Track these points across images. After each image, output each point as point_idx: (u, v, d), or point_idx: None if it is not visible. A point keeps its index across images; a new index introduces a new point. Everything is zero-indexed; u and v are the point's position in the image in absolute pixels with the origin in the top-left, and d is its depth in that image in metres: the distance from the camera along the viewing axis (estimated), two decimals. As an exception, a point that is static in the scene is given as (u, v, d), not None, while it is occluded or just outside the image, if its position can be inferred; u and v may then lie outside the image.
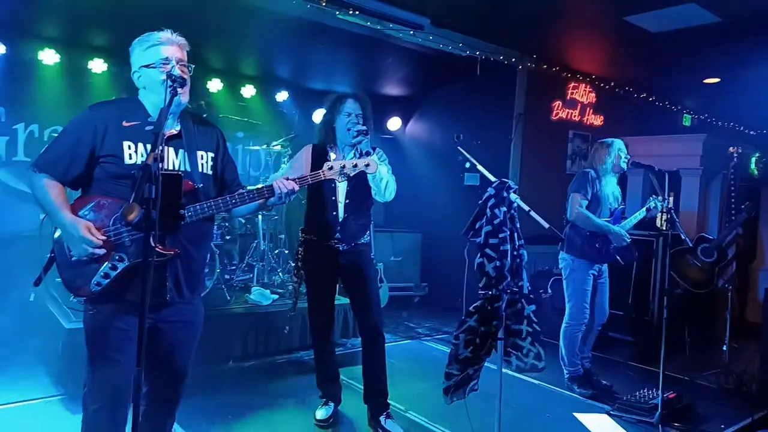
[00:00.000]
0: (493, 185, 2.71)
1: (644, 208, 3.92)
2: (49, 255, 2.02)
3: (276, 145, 5.45)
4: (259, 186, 2.18)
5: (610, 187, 3.95)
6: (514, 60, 6.01)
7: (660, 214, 3.75)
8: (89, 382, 2.03)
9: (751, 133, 7.97)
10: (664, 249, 4.47)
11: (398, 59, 5.98)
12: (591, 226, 3.85)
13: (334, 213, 3.13)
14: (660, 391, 3.34)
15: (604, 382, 4.05)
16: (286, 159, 5.34)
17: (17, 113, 5.21)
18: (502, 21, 5.15)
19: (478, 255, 2.67)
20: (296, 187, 2.18)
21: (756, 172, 6.77)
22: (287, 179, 2.18)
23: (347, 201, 3.14)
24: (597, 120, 7.03)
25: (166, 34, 2.04)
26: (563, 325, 4.02)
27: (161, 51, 2.01)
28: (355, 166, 2.31)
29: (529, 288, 2.74)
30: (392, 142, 7.27)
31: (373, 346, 3.21)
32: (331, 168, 2.27)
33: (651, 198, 3.90)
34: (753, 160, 6.77)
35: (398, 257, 6.45)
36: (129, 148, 1.96)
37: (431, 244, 6.62)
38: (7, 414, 3.20)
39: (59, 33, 5.17)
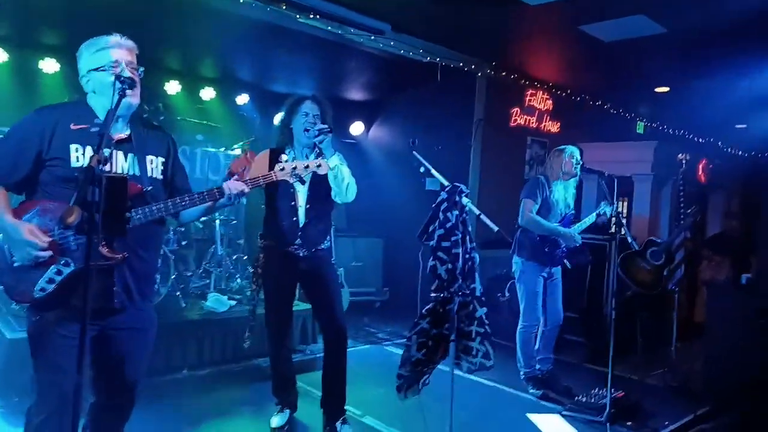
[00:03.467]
0: (446, 189, 2.75)
1: (594, 213, 4.05)
2: None
3: (236, 148, 5.39)
4: (211, 188, 2.16)
5: (561, 192, 4.05)
6: (473, 67, 6.11)
7: (610, 218, 3.88)
8: (36, 393, 1.98)
9: (700, 140, 8.31)
10: (616, 253, 4.61)
11: (360, 64, 6.01)
12: (541, 230, 3.95)
13: (294, 219, 3.10)
14: (608, 391, 3.44)
15: (565, 384, 4.15)
16: (245, 163, 5.28)
17: (-38, 113, 5.00)
18: (462, 28, 5.24)
19: (431, 258, 2.71)
20: (246, 189, 2.17)
21: (702, 178, 7.07)
22: (237, 180, 2.16)
23: (308, 206, 3.12)
24: (554, 126, 7.21)
25: (115, 38, 2.03)
26: (518, 327, 4.11)
27: (110, 54, 2.00)
28: (307, 167, 2.31)
29: (482, 290, 2.79)
30: (355, 146, 7.28)
31: (336, 350, 3.18)
32: (282, 169, 2.25)
33: (602, 203, 4.03)
34: (700, 166, 7.07)
35: (359, 262, 6.46)
36: (76, 151, 1.94)
37: (393, 249, 6.65)
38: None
39: (8, 31, 4.99)
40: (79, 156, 1.94)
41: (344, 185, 3.05)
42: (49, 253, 1.87)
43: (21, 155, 1.92)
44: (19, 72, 5.08)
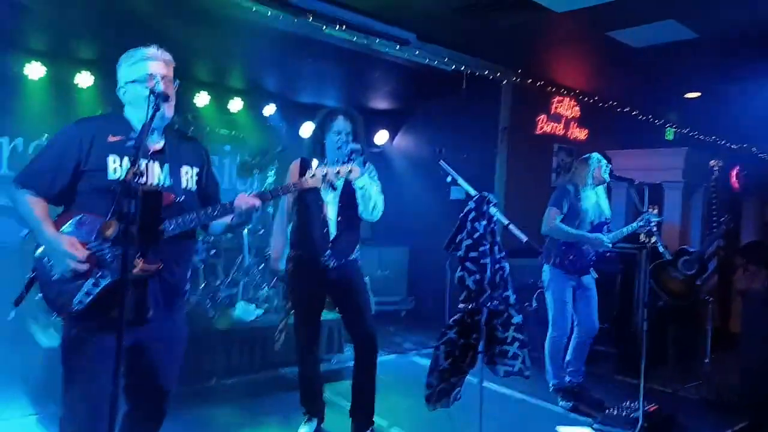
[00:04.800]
0: (474, 199, 2.74)
1: (637, 222, 3.84)
2: (30, 273, 2.00)
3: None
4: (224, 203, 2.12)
5: (591, 200, 3.99)
6: (499, 74, 6.09)
7: (651, 228, 3.74)
8: (68, 404, 1.99)
9: (733, 146, 8.10)
10: (647, 262, 4.52)
11: (385, 73, 6.04)
12: (566, 237, 3.90)
13: (325, 230, 3.11)
14: (641, 404, 3.36)
15: (596, 396, 4.06)
16: (272, 172, 5.35)
17: (1, 127, 5.18)
18: (487, 36, 5.23)
19: (459, 268, 2.69)
20: (257, 203, 2.09)
21: (736, 185, 6.88)
22: (251, 194, 2.11)
23: (339, 218, 3.13)
24: (581, 134, 7.12)
25: (152, 50, 2.05)
26: (547, 337, 4.05)
27: (147, 66, 2.02)
28: (338, 173, 2.29)
29: (516, 298, 2.77)
30: (379, 155, 7.30)
31: (366, 359, 3.18)
32: (313, 176, 2.21)
33: (646, 213, 3.90)
34: (733, 173, 6.88)
35: (385, 271, 6.45)
36: (114, 162, 1.97)
37: (418, 258, 6.63)
38: (-17, 432, 3.16)
39: (46, 46, 5.17)
40: (117, 167, 1.97)
41: (371, 204, 3.06)
42: (87, 265, 1.90)
43: (61, 167, 1.96)
44: (56, 86, 5.24)
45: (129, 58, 2.05)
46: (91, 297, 1.91)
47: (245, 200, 2.08)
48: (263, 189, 4.34)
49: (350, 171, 2.33)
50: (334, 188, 2.90)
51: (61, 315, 1.95)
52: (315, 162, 3.06)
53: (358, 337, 3.22)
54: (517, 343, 2.72)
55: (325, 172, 2.23)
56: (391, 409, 3.68)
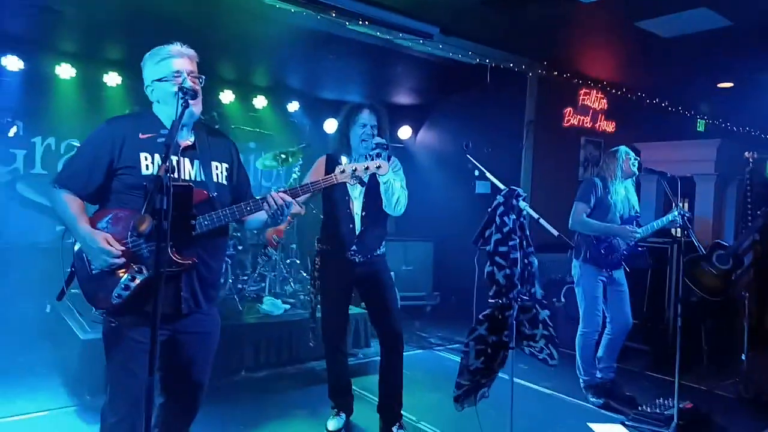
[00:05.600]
0: (502, 193, 2.71)
1: (668, 217, 3.74)
2: (70, 269, 2.05)
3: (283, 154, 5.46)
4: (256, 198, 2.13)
5: (620, 193, 3.91)
6: (524, 67, 6.00)
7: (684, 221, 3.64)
8: (109, 395, 2.04)
9: (768, 137, 7.86)
10: (678, 256, 4.41)
11: (408, 68, 6.01)
12: (592, 230, 3.84)
13: (351, 226, 3.13)
14: (675, 401, 3.28)
15: (628, 393, 3.99)
16: (297, 168, 5.37)
17: (35, 127, 5.33)
18: (512, 28, 5.16)
19: (488, 263, 2.66)
20: (288, 199, 2.09)
21: (773, 177, 6.66)
22: (281, 191, 2.11)
23: (363, 213, 3.14)
24: (609, 126, 6.99)
25: (177, 47, 2.07)
26: (578, 333, 3.98)
27: (172, 64, 2.04)
28: (367, 168, 2.28)
29: (542, 293, 2.73)
30: (403, 150, 7.28)
31: (393, 353, 3.18)
32: (343, 171, 2.23)
33: (677, 208, 3.81)
34: (769, 164, 6.66)
35: (410, 266, 6.44)
36: (146, 159, 2.00)
37: (443, 253, 6.60)
38: (23, 425, 3.24)
39: (75, 48, 5.29)
40: (149, 164, 1.99)
41: (394, 199, 3.06)
42: (123, 260, 1.93)
43: (95, 166, 1.99)
44: (85, 86, 5.37)
45: (154, 56, 2.06)
46: (129, 291, 1.94)
47: (276, 197, 2.09)
48: (289, 185, 4.37)
49: (379, 167, 2.32)
50: (363, 184, 2.89)
51: (101, 309, 1.99)
52: (345, 159, 3.08)
53: (384, 332, 3.22)
54: (543, 340, 2.69)
55: (354, 167, 2.24)
56: (419, 404, 3.67)
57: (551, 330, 2.66)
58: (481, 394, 2.78)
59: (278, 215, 2.12)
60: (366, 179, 3.01)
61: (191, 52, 2.10)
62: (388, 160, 3.06)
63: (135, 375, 1.95)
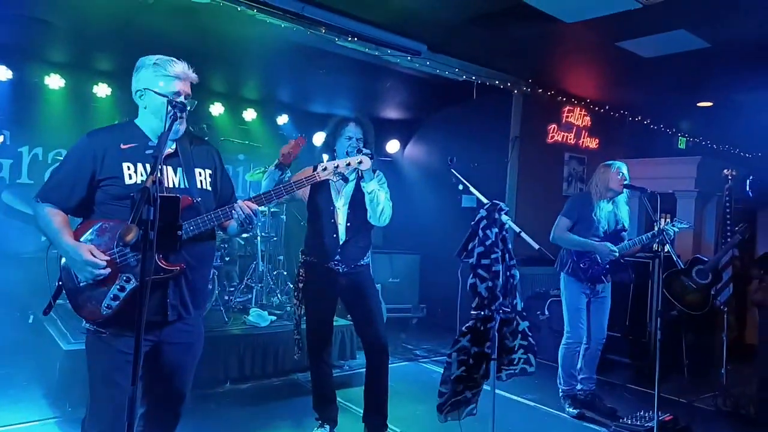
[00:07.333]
0: (485, 207, 2.76)
1: (650, 234, 3.83)
2: (57, 282, 2.05)
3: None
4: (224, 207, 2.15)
5: (606, 209, 3.98)
6: (509, 84, 6.12)
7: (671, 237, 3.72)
8: (90, 406, 2.03)
9: (747, 155, 8.05)
10: (659, 271, 4.50)
11: (397, 84, 6.10)
12: (571, 245, 3.92)
13: (335, 236, 3.16)
14: (655, 413, 3.34)
15: (609, 405, 4.04)
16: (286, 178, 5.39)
17: (22, 136, 5.32)
18: (498, 46, 5.27)
19: (471, 275, 2.71)
20: (254, 207, 2.12)
21: (750, 194, 6.81)
22: (246, 200, 2.13)
23: (348, 224, 3.17)
24: (592, 143, 7.12)
25: (183, 69, 2.07)
26: (561, 343, 4.04)
27: (174, 85, 2.04)
28: (349, 164, 2.30)
29: (522, 305, 2.79)
30: (391, 164, 7.36)
31: (378, 365, 3.20)
32: (325, 169, 2.25)
33: (673, 221, 3.89)
34: (747, 182, 6.82)
35: (396, 278, 6.47)
36: (128, 168, 2.01)
37: (429, 266, 6.64)
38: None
39: (65, 58, 5.30)
40: (132, 173, 2.01)
41: (379, 209, 3.11)
42: (108, 270, 1.94)
43: (77, 180, 2.01)
44: (75, 96, 5.38)
45: (158, 68, 2.04)
46: (118, 302, 1.95)
47: (243, 205, 2.11)
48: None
49: (360, 162, 2.35)
50: (346, 180, 2.90)
51: (90, 321, 1.99)
52: (326, 156, 3.11)
53: (369, 342, 3.23)
54: (521, 350, 2.75)
55: (336, 164, 2.26)
56: (404, 416, 3.68)
57: (530, 339, 2.72)
58: (468, 411, 2.80)
59: (246, 224, 2.14)
60: (349, 189, 3.07)
61: (194, 76, 2.11)
62: (374, 173, 3.12)
63: (118, 385, 1.94)
